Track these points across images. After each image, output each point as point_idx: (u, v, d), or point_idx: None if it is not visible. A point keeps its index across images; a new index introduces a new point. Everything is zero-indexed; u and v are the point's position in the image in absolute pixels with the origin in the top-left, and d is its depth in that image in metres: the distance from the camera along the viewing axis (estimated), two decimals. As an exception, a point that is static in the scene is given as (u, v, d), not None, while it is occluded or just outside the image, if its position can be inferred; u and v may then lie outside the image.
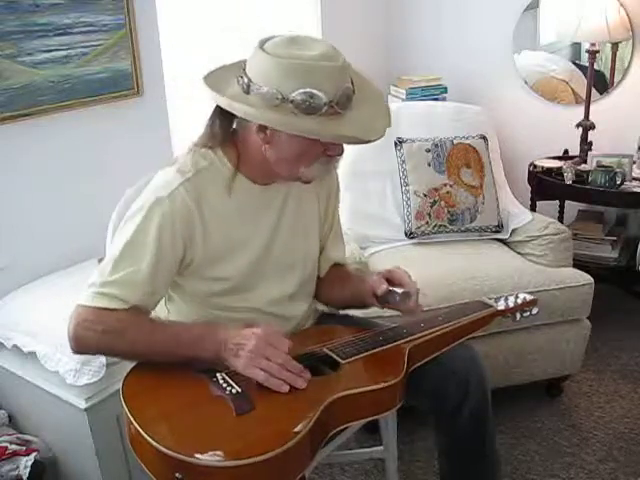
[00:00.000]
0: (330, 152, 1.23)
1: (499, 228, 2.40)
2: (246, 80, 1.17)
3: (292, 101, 1.13)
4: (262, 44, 1.18)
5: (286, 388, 1.14)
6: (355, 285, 1.45)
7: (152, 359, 1.21)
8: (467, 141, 2.44)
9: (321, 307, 1.67)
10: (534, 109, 3.03)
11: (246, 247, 1.33)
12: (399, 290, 1.34)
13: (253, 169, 1.29)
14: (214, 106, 1.26)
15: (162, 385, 1.19)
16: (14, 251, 1.89)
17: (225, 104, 1.18)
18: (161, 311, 1.41)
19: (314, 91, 1.12)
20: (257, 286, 1.36)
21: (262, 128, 1.20)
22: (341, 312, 1.75)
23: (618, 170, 2.54)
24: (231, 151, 1.29)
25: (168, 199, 1.22)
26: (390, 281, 1.36)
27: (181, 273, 1.31)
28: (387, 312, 1.90)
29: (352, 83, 1.20)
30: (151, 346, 1.20)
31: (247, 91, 1.17)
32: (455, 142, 2.42)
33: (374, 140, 1.20)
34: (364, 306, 1.45)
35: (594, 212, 2.95)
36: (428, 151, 2.39)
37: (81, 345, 1.21)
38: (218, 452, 1.02)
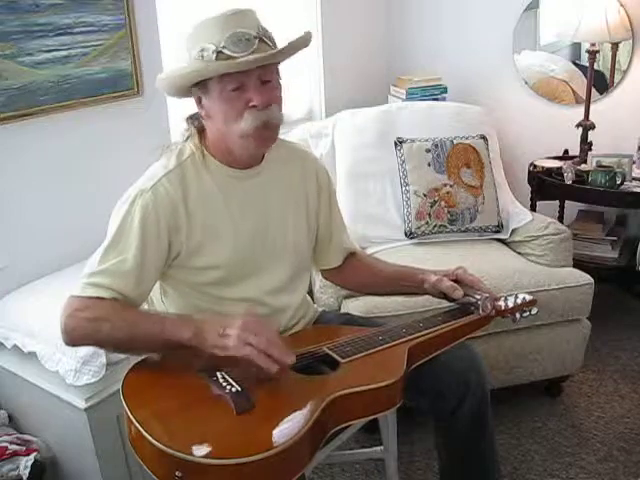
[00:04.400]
0: (252, 102, 1.26)
1: (499, 228, 2.40)
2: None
3: (196, 56, 1.25)
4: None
5: (275, 368, 1.13)
6: (420, 281, 1.50)
7: (136, 347, 1.23)
8: (467, 141, 2.44)
9: (321, 307, 1.68)
10: (534, 109, 3.03)
11: (232, 234, 1.35)
12: (477, 296, 1.41)
13: (224, 154, 1.35)
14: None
15: (162, 384, 1.20)
16: (14, 251, 1.89)
17: (163, 85, 1.33)
18: (158, 306, 1.42)
19: (203, 44, 1.24)
20: (250, 276, 1.38)
21: (199, 101, 1.31)
22: (341, 311, 1.76)
23: (618, 170, 2.54)
24: (205, 142, 1.36)
25: (151, 190, 1.27)
26: (457, 282, 1.45)
27: (172, 265, 1.33)
28: (387, 312, 1.91)
29: (270, 40, 1.28)
30: (134, 332, 1.20)
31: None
32: (455, 142, 2.42)
33: (279, 59, 1.29)
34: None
35: (594, 212, 2.95)
36: (428, 151, 2.39)
37: (71, 335, 1.23)
38: (218, 451, 1.02)
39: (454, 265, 2.20)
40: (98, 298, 1.22)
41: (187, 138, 1.37)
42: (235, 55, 1.23)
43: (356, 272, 1.61)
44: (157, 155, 1.37)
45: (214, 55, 1.23)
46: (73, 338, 1.24)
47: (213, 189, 1.33)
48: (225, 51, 1.24)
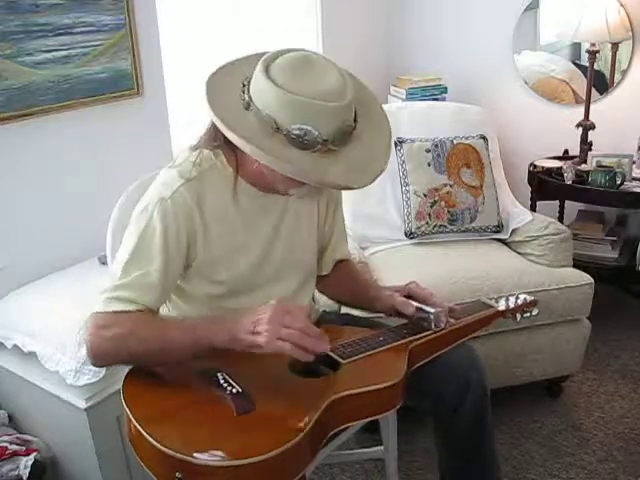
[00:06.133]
0: None
1: (499, 228, 2.40)
2: (247, 98, 1.15)
3: (286, 134, 1.10)
4: (267, 67, 1.13)
5: (311, 357, 1.10)
6: (371, 299, 1.48)
7: (168, 357, 1.19)
8: (467, 141, 2.44)
9: (322, 307, 1.67)
10: (534, 109, 3.04)
11: (246, 251, 1.33)
12: (431, 310, 1.36)
13: (252, 176, 1.28)
14: None
15: (162, 385, 1.19)
16: (14, 251, 1.89)
17: (219, 125, 1.14)
18: (161, 309, 1.41)
19: (310, 128, 1.09)
20: (257, 289, 1.36)
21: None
22: (342, 311, 1.76)
23: (618, 170, 2.54)
24: (231, 155, 1.27)
25: (170, 200, 1.22)
26: (411, 297, 1.41)
27: (183, 274, 1.30)
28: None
29: (355, 114, 1.17)
30: (166, 342, 1.17)
31: (247, 108, 1.15)
32: (455, 142, 2.42)
33: (361, 187, 1.17)
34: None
35: (594, 212, 2.95)
36: (428, 151, 2.39)
37: (97, 353, 1.18)
38: (218, 452, 1.02)
39: (455, 264, 2.20)
40: (123, 312, 1.18)
41: (202, 144, 1.28)
42: (335, 149, 1.12)
43: (334, 283, 1.58)
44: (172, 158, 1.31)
45: (317, 147, 1.10)
46: (100, 357, 1.19)
47: (232, 204, 1.29)
48: (330, 146, 1.11)
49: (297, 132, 1.09)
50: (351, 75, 1.22)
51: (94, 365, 1.22)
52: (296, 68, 1.13)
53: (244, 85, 1.17)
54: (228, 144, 1.19)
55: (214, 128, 1.22)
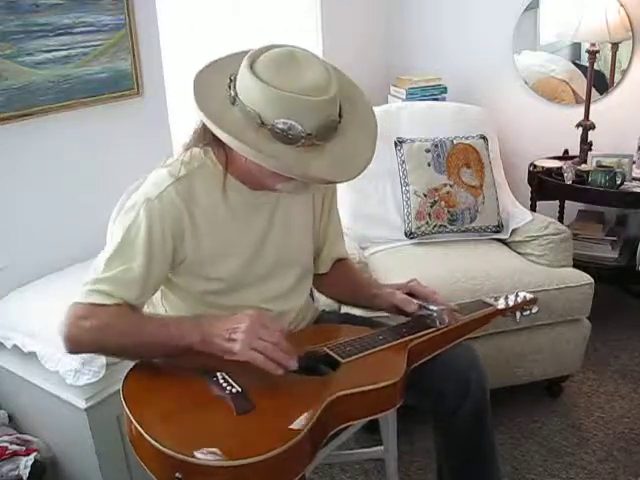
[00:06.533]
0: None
1: (499, 228, 2.40)
2: (233, 93, 1.16)
3: (270, 128, 1.11)
4: (252, 63, 1.14)
5: (281, 371, 1.13)
6: (372, 296, 1.48)
7: (142, 353, 1.22)
8: (467, 141, 2.44)
9: (321, 306, 1.67)
10: (534, 109, 3.04)
11: (238, 248, 1.33)
12: (434, 307, 1.37)
13: (242, 173, 1.28)
14: None
15: (162, 385, 1.19)
16: (14, 251, 1.89)
17: (205, 120, 1.15)
18: (159, 310, 1.41)
19: (293, 123, 1.10)
20: (252, 285, 1.37)
21: None
22: (341, 311, 1.76)
23: (618, 170, 2.54)
24: (220, 153, 1.28)
25: (157, 199, 1.23)
26: (411, 295, 1.41)
27: (174, 271, 1.31)
28: (387, 312, 1.90)
29: (340, 108, 1.18)
30: (141, 337, 1.19)
31: (233, 103, 1.16)
32: (455, 142, 2.42)
33: (345, 181, 1.19)
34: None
35: (594, 212, 2.95)
36: (428, 151, 2.39)
37: (74, 342, 1.21)
38: (218, 452, 1.02)
39: (455, 264, 2.20)
40: (101, 305, 1.20)
41: (192, 142, 1.29)
42: (319, 143, 1.13)
43: (333, 282, 1.58)
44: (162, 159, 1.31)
45: (301, 141, 1.11)
46: (76, 346, 1.22)
47: (222, 202, 1.29)
48: (314, 140, 1.12)
49: (281, 127, 1.10)
50: (337, 70, 1.23)
51: (68, 352, 1.24)
52: (280, 63, 1.14)
53: (231, 81, 1.18)
54: (217, 141, 1.20)
55: (203, 126, 1.22)
